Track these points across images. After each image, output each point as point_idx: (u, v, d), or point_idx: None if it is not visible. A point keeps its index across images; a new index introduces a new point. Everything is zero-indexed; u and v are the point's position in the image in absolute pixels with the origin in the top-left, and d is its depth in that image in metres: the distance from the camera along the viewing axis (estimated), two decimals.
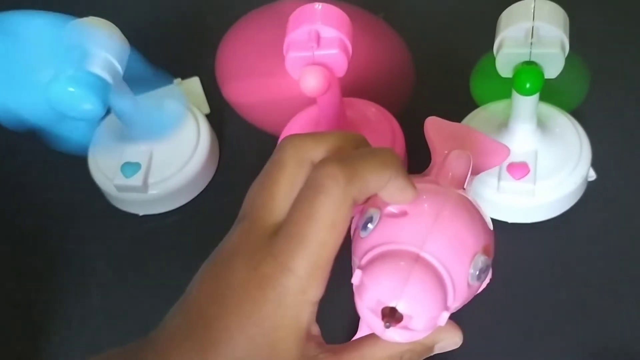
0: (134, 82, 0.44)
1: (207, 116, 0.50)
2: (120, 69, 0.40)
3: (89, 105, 0.38)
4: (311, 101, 0.45)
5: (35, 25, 0.36)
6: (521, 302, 0.41)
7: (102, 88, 0.38)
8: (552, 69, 0.36)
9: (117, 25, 0.42)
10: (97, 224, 0.48)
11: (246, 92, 0.51)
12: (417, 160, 0.47)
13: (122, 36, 0.41)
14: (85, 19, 0.40)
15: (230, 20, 0.57)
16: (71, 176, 0.49)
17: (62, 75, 0.37)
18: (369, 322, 0.23)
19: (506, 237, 0.43)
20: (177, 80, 0.53)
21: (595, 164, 0.43)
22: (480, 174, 0.42)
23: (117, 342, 0.42)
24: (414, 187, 0.24)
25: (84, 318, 0.44)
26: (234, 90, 0.51)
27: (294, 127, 0.47)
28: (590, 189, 0.44)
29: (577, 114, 0.45)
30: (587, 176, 0.43)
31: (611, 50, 0.51)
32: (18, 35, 0.35)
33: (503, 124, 0.43)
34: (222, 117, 0.52)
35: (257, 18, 0.53)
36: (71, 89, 0.37)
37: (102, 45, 0.39)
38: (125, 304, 0.44)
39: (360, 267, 0.24)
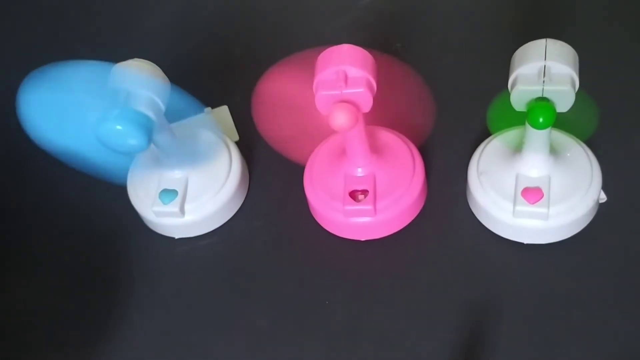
0: (168, 111, 0.47)
1: (237, 143, 0.53)
2: (162, 106, 0.43)
3: (135, 141, 0.41)
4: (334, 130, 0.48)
5: (84, 73, 0.40)
6: (536, 320, 0.43)
7: (146, 124, 0.41)
8: (564, 104, 0.39)
9: (150, 58, 0.45)
10: (136, 247, 0.51)
11: (276, 123, 0.54)
12: (435, 187, 0.50)
13: (164, 75, 0.44)
14: (128, 61, 0.43)
15: (256, 51, 0.60)
16: (112, 203, 0.52)
17: (110, 115, 0.40)
18: None
19: (521, 257, 0.46)
20: (208, 109, 0.56)
21: (606, 186, 0.46)
22: (496, 199, 0.45)
23: (155, 357, 0.45)
24: None
25: (125, 336, 0.46)
26: (266, 121, 0.54)
27: (319, 155, 0.50)
28: (602, 210, 0.46)
29: (588, 140, 0.47)
30: (598, 199, 0.45)
31: (619, 78, 0.53)
32: (70, 83, 0.39)
33: (517, 152, 0.45)
34: (250, 144, 0.54)
35: (295, 61, 0.57)
36: (119, 127, 0.40)
37: (145, 85, 0.42)
38: (163, 323, 0.46)
39: None
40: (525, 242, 0.46)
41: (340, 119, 0.39)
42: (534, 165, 0.44)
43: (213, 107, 0.57)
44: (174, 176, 0.50)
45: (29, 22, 0.69)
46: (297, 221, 0.50)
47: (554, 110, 0.39)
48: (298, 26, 0.62)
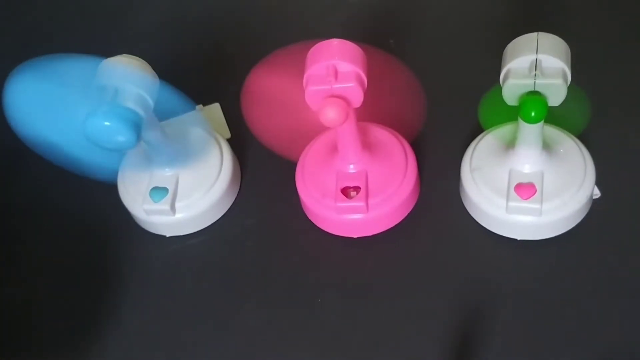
0: (158, 109, 0.46)
1: (228, 141, 0.53)
2: (151, 102, 0.43)
3: (123, 138, 0.41)
4: (326, 127, 0.48)
5: (73, 67, 0.39)
6: (529, 316, 0.42)
7: (135, 121, 0.41)
8: (556, 98, 0.39)
9: (141, 55, 0.45)
10: (126, 246, 0.50)
11: (267, 120, 0.54)
12: (428, 183, 0.49)
13: (152, 71, 0.44)
14: (117, 57, 0.43)
15: (248, 48, 0.60)
16: (102, 202, 0.52)
17: (99, 111, 0.40)
18: None
19: (515, 253, 0.45)
20: (199, 107, 0.56)
21: (599, 182, 0.45)
22: (490, 195, 0.45)
23: (147, 357, 0.44)
24: None
25: (116, 335, 0.46)
26: (256, 118, 0.54)
27: (311, 152, 0.50)
28: (595, 206, 0.46)
29: (581, 135, 0.47)
30: (592, 195, 0.45)
31: (612, 71, 0.53)
32: (59, 77, 0.38)
33: (510, 147, 0.45)
34: (242, 141, 0.54)
35: (283, 55, 0.56)
36: (107, 123, 0.40)
37: (134, 82, 0.42)
38: (154, 322, 0.46)
39: None
40: (519, 238, 0.45)
41: (330, 114, 0.39)
42: (527, 160, 0.44)
43: (205, 104, 0.56)
44: (164, 174, 0.49)
45: (20, 15, 0.69)
46: (289, 219, 0.50)
47: (546, 104, 0.38)
48: (290, 23, 0.62)
